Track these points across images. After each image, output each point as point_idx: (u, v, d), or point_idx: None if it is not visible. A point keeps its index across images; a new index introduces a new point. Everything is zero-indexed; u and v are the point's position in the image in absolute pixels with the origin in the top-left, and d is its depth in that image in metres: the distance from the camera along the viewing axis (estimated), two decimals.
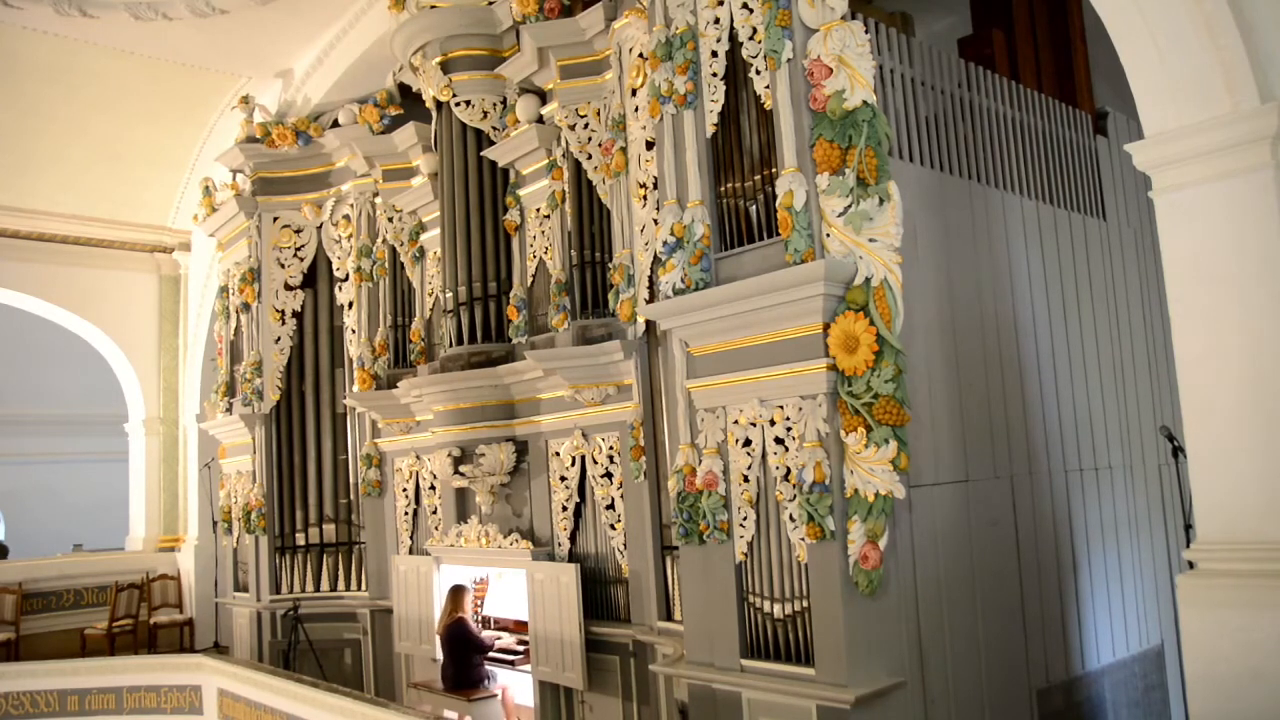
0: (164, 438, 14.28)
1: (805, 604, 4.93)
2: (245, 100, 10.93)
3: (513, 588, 8.35)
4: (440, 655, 8.17)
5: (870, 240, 4.80)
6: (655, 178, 6.49)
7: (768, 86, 5.21)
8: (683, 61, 5.62)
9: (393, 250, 9.99)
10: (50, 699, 8.44)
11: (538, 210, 8.22)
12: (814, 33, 5.04)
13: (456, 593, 8.15)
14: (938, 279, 5.68)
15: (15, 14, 9.75)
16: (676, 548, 6.00)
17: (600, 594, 7.52)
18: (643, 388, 7.08)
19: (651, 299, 6.54)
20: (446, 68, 8.51)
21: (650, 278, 6.62)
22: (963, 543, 5.60)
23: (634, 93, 7.03)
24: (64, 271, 13.61)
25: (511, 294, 8.28)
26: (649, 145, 6.74)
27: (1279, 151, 4.00)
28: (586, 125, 7.67)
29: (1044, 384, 6.45)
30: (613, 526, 7.40)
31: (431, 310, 9.48)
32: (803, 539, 4.91)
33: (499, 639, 8.27)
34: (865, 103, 4.86)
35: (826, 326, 4.86)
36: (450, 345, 8.40)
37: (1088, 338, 6.91)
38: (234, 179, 11.05)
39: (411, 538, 9.65)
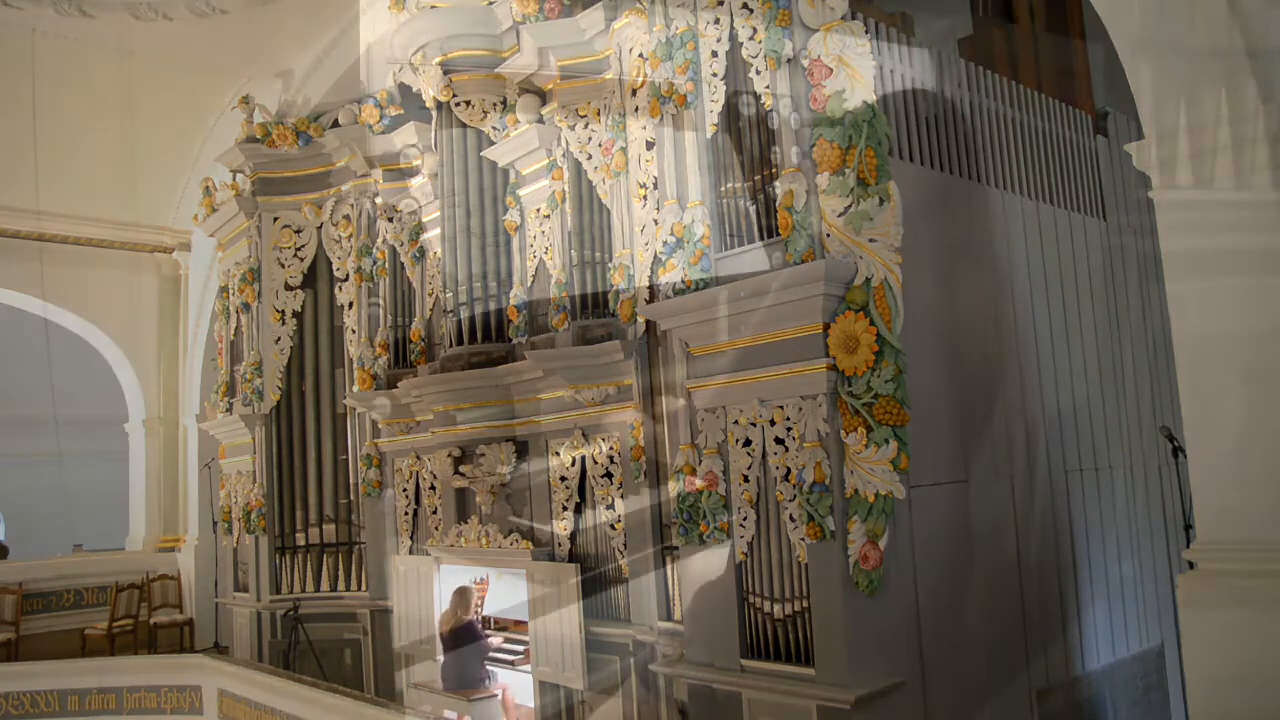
0: (164, 438, 14.30)
1: (805, 604, 4.94)
2: (245, 100, 10.92)
3: (513, 588, 8.35)
4: (441, 655, 8.17)
5: (870, 240, 4.80)
6: (655, 178, 6.48)
7: (768, 86, 5.21)
8: (683, 61, 5.62)
9: (393, 250, 9.99)
10: (50, 699, 8.44)
11: (538, 210, 8.22)
12: (814, 33, 5.04)
13: (463, 593, 8.16)
14: (938, 279, 5.67)
15: (15, 14, 9.75)
16: (676, 548, 6.00)
17: (600, 594, 7.52)
18: (643, 388, 7.07)
19: (651, 299, 6.53)
20: (446, 68, 8.50)
21: (650, 278, 6.61)
22: (963, 542, 5.60)
23: (634, 93, 7.03)
24: (64, 271, 13.61)
25: (511, 294, 8.28)
26: (649, 145, 6.73)
27: (1279, 152, 4.00)
28: (586, 125, 7.66)
29: (1044, 384, 6.44)
30: (613, 526, 7.39)
31: (431, 310, 9.48)
32: (803, 539, 4.91)
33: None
34: (865, 103, 4.86)
35: (826, 326, 4.86)
36: (450, 345, 8.40)
37: (1088, 338, 6.91)
38: (234, 179, 11.05)
39: (411, 538, 9.65)
